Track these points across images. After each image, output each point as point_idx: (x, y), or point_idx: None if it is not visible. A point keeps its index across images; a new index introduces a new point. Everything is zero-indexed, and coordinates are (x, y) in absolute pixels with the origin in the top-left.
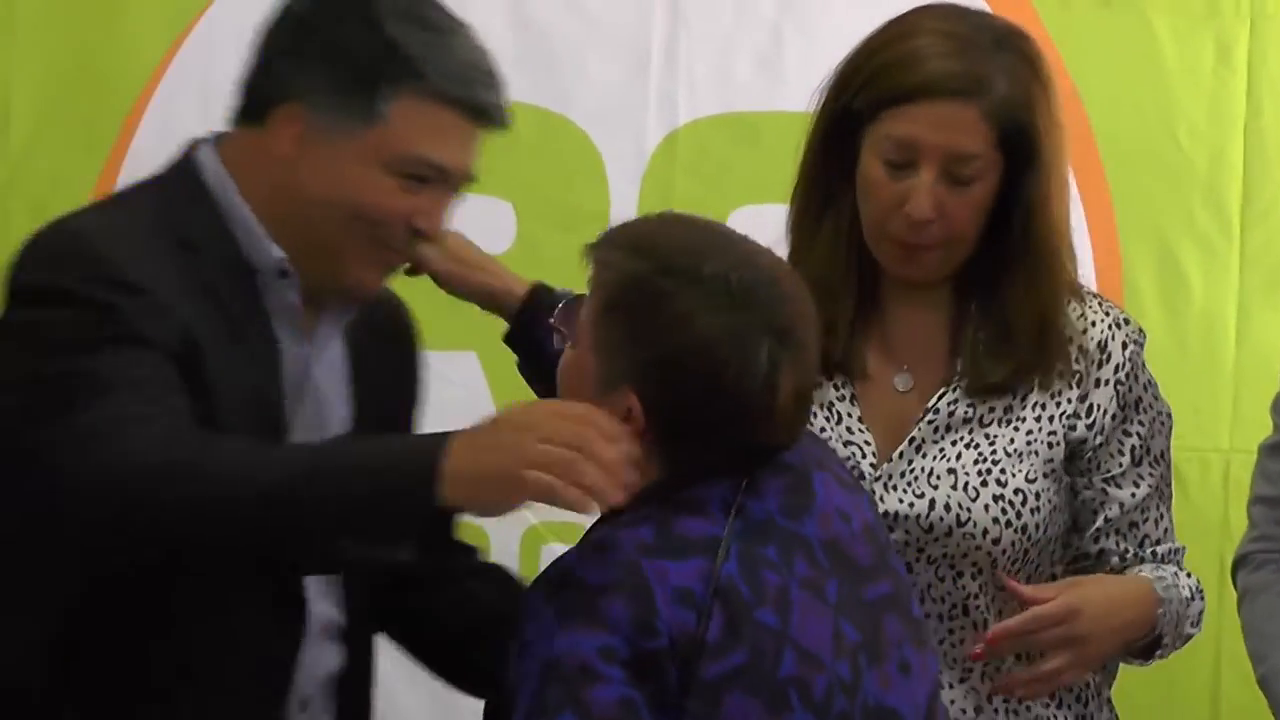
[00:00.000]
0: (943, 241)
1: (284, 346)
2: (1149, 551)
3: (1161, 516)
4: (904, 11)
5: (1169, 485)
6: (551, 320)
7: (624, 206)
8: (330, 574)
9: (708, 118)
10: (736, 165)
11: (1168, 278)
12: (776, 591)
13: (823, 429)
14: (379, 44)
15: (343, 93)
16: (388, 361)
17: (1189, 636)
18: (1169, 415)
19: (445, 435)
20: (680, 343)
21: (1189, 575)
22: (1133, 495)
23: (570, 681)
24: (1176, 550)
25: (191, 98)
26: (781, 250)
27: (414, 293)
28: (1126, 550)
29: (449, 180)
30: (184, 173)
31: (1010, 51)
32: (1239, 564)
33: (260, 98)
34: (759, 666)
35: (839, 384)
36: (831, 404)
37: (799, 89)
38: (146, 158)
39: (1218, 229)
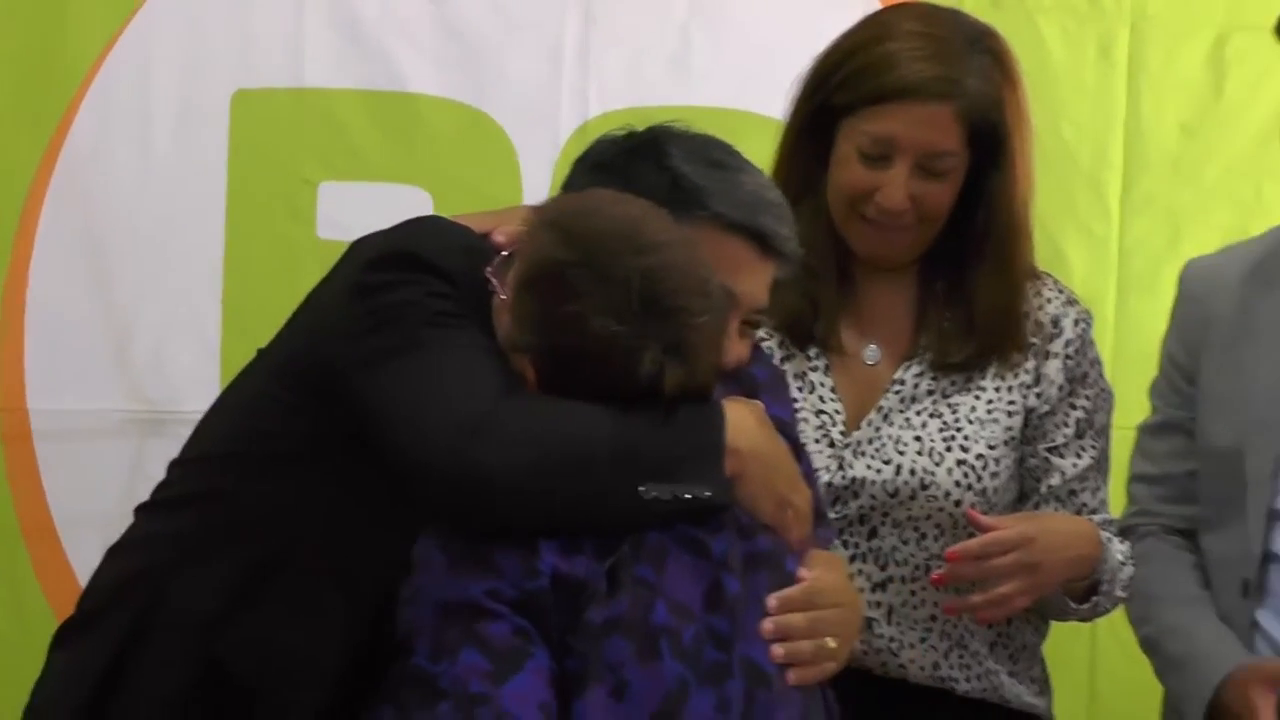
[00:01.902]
0: (914, 224)
1: None
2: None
3: (1099, 488)
4: (877, 10)
5: (1108, 459)
6: (489, 269)
7: (536, 195)
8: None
9: (617, 111)
10: None
11: (1051, 265)
12: (654, 548)
13: (796, 399)
14: (667, 180)
15: None
16: None
17: (1119, 600)
18: (1112, 394)
19: (720, 406)
20: (572, 341)
21: (1123, 542)
22: (1074, 466)
23: (465, 621)
24: (1110, 522)
25: (130, 90)
26: None
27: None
28: None
29: (738, 307)
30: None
31: (983, 53)
32: (1121, 536)
33: None
34: (634, 614)
35: (812, 356)
36: (805, 374)
37: (705, 85)
38: (85, 149)
39: (1099, 219)
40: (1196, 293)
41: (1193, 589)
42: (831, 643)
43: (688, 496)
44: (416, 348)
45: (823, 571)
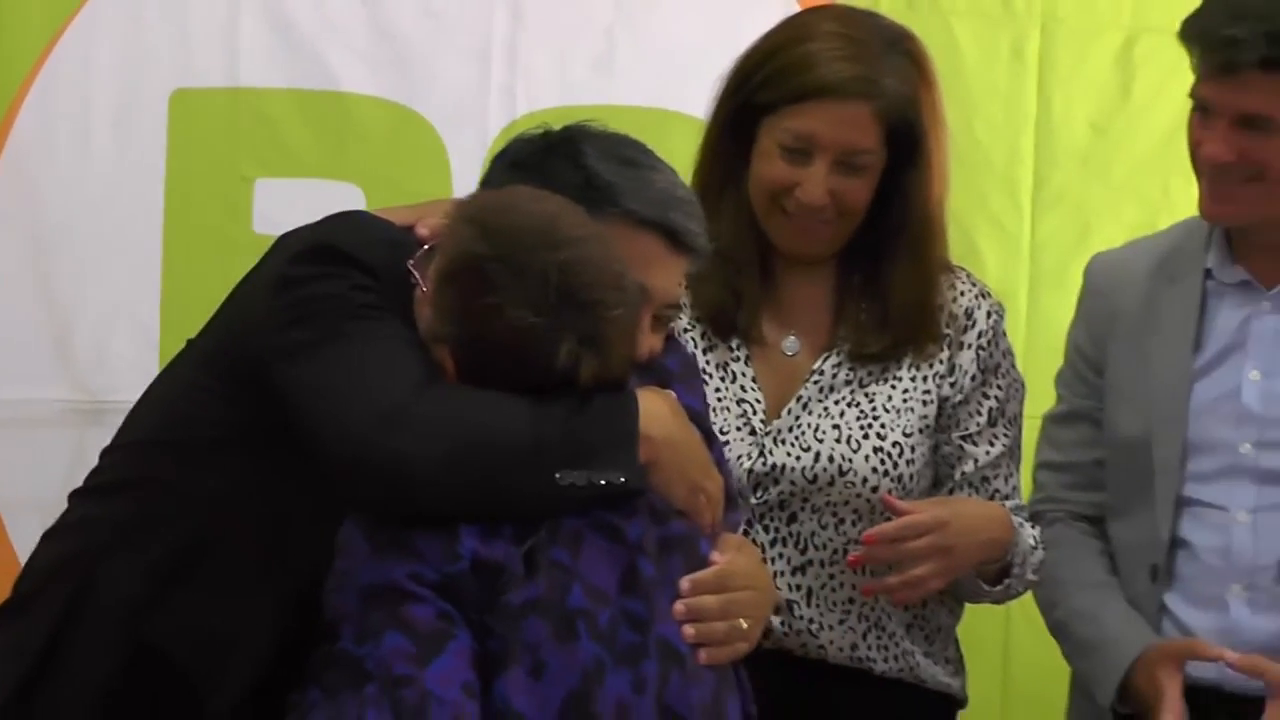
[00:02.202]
0: (833, 219)
1: None
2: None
3: (1011, 474)
4: (797, 12)
5: (1019, 447)
6: (410, 262)
7: (466, 192)
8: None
9: (544, 110)
10: None
11: (965, 259)
12: (570, 533)
13: (718, 389)
14: (581, 177)
15: None
16: None
17: (1030, 583)
18: (1023, 384)
19: (632, 395)
20: (489, 332)
21: (1034, 527)
22: (987, 453)
23: (389, 604)
24: (1021, 507)
25: (71, 89)
26: None
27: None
28: None
29: (650, 301)
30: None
31: (900, 54)
32: (1031, 521)
33: None
34: (551, 596)
35: (734, 346)
36: (727, 364)
37: (629, 85)
38: (27, 146)
39: (1011, 215)
40: (1102, 286)
41: (1100, 574)
42: (744, 624)
43: (603, 482)
44: (338, 340)
45: (735, 555)
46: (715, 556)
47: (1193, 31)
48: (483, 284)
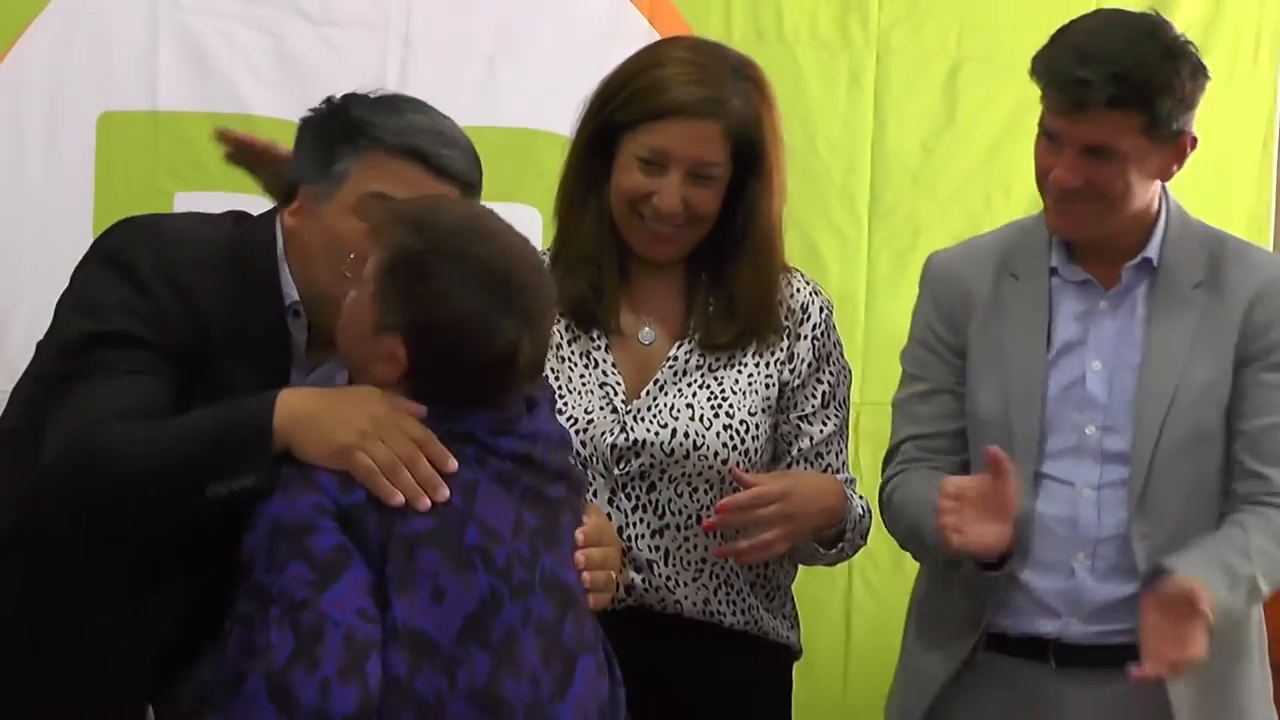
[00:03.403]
0: (685, 224)
1: (293, 375)
2: None
3: (841, 451)
4: (653, 42)
5: (848, 427)
6: (343, 265)
7: None
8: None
9: None
10: None
11: (810, 264)
12: (466, 482)
13: (582, 374)
14: (343, 122)
15: (318, 166)
16: None
17: (859, 546)
18: (850, 371)
19: (275, 393)
20: (439, 313)
21: (861, 498)
22: (821, 432)
23: (294, 536)
24: (851, 480)
25: (4, 114)
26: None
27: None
28: None
29: None
30: (267, 223)
31: (744, 79)
32: (888, 483)
33: (287, 187)
34: (445, 532)
35: (595, 337)
36: (589, 353)
37: (507, 108)
38: None
39: (850, 225)
40: (955, 273)
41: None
42: (614, 574)
43: (237, 489)
44: (71, 378)
45: (597, 518)
46: (584, 518)
47: (1043, 69)
48: (424, 272)
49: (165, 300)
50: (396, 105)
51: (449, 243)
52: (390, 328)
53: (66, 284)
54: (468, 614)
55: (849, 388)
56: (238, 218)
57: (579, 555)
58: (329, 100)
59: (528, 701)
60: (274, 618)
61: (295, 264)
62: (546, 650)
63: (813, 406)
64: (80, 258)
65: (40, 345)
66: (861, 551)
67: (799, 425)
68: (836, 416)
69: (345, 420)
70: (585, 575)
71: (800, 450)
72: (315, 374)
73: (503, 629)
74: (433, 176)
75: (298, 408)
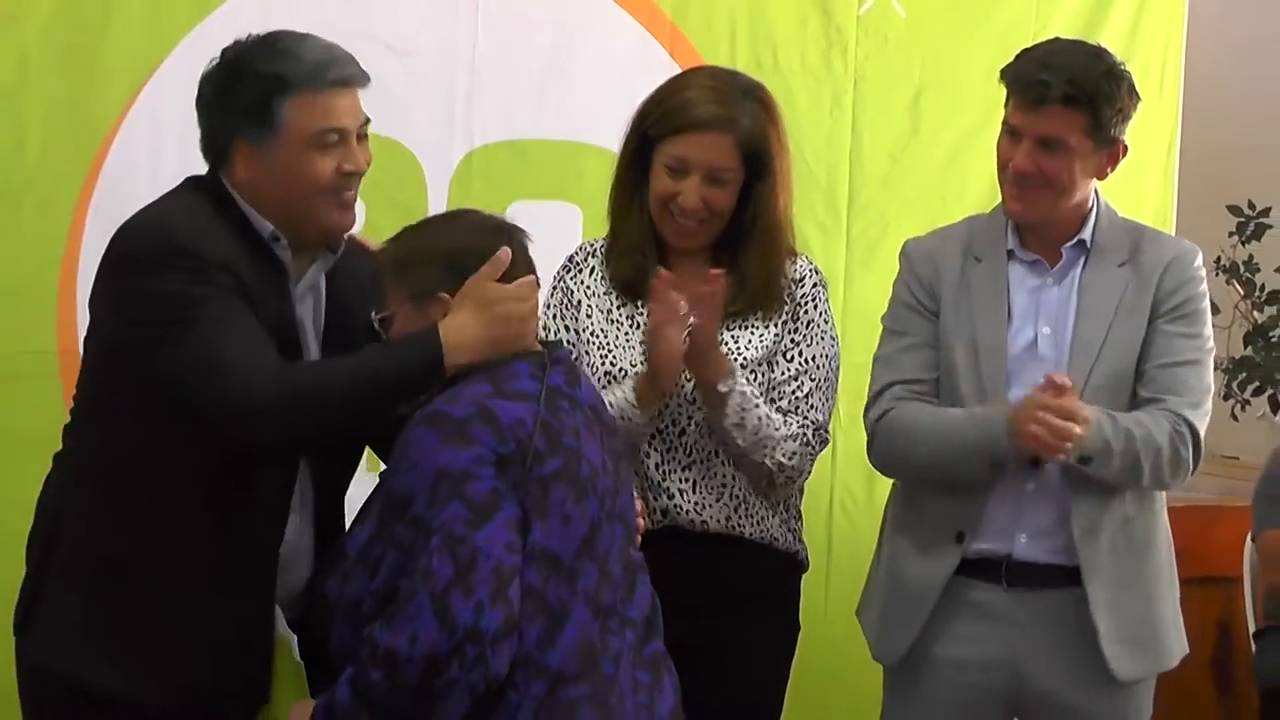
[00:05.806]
0: (706, 219)
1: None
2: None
3: (811, 394)
4: (682, 71)
5: (827, 382)
6: (374, 316)
7: (438, 202)
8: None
9: (495, 143)
10: (513, 174)
11: (799, 250)
12: (571, 426)
13: (628, 334)
14: (258, 82)
15: (257, 122)
16: (353, 296)
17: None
18: (836, 338)
19: (435, 329)
20: (458, 241)
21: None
22: (783, 374)
23: (456, 481)
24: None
25: (153, 126)
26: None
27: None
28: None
29: (350, 133)
30: (213, 184)
31: (753, 100)
32: (882, 416)
33: (219, 151)
34: (568, 469)
35: (639, 305)
36: (634, 317)
37: (558, 123)
38: (117, 171)
39: (832, 219)
40: (928, 253)
41: (951, 409)
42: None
43: (417, 405)
44: (190, 328)
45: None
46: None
47: (1011, 75)
48: (435, 225)
49: (215, 260)
50: (286, 48)
51: (442, 218)
52: (433, 286)
53: (108, 300)
54: (582, 535)
55: (829, 348)
56: (196, 182)
57: (637, 501)
58: (218, 66)
59: (619, 601)
60: (435, 546)
61: (263, 205)
62: (626, 563)
63: (789, 355)
64: (108, 274)
65: (98, 309)
66: (839, 480)
67: (778, 361)
68: (805, 366)
69: (513, 308)
70: (638, 503)
71: (773, 381)
72: (304, 280)
73: (604, 546)
74: (342, 90)
75: (450, 339)
